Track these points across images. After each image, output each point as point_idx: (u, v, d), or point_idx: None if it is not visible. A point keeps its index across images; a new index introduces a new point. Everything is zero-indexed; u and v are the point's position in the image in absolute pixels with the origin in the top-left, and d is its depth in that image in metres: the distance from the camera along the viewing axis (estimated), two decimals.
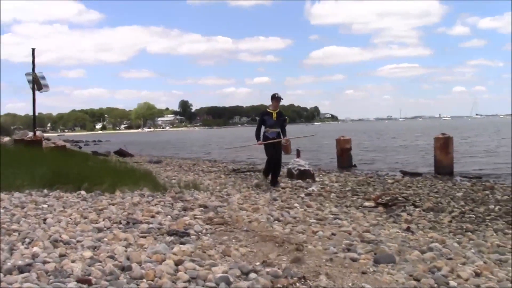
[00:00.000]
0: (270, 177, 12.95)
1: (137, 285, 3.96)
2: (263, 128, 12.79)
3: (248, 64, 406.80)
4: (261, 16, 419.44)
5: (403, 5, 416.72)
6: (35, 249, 4.61)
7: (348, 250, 5.67)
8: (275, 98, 12.67)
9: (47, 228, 5.68)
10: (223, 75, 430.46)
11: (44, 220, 6.15)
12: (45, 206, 7.15)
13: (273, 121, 12.59)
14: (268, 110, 12.78)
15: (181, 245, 5.27)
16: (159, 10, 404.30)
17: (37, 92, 20.57)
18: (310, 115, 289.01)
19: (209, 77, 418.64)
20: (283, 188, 12.55)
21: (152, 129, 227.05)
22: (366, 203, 10.08)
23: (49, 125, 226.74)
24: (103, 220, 6.35)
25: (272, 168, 12.86)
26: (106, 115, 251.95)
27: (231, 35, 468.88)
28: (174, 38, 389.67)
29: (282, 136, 12.65)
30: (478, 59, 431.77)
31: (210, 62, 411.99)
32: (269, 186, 12.60)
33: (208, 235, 6.08)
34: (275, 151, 12.59)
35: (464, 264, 5.30)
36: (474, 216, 9.09)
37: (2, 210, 6.59)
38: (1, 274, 3.88)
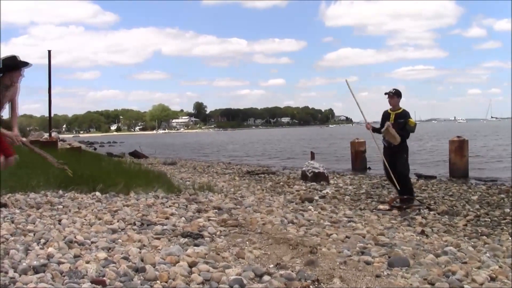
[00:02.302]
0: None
1: (151, 286, 3.97)
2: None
3: (262, 66, 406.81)
4: (275, 17, 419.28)
5: (418, 7, 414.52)
6: (50, 249, 4.64)
7: (362, 253, 5.65)
8: (388, 94, 10.29)
9: (62, 229, 5.71)
10: (237, 77, 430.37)
11: (59, 221, 6.19)
12: (60, 207, 7.19)
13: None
14: (388, 110, 10.40)
15: (195, 247, 5.27)
16: (175, 11, 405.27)
17: (52, 93, 20.72)
18: (325, 118, 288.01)
19: (223, 78, 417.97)
20: (297, 190, 12.53)
21: (166, 130, 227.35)
22: (381, 206, 10.04)
23: (64, 126, 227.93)
24: (118, 221, 6.37)
25: (394, 183, 10.26)
26: (120, 117, 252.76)
27: (245, 36, 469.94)
28: (189, 39, 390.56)
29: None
30: (494, 61, 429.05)
31: (224, 63, 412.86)
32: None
33: (222, 237, 6.07)
34: (394, 160, 10.20)
35: (479, 268, 5.26)
36: (489, 219, 9.04)
37: (17, 211, 6.65)
38: (17, 274, 3.91)
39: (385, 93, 10.29)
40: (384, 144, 10.38)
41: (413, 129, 10.19)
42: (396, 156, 10.16)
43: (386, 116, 10.33)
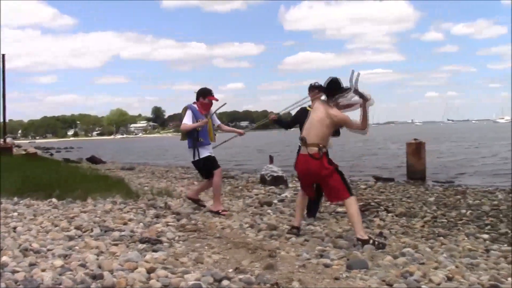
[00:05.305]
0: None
1: None
2: None
3: (222, 69, 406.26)
4: (235, 21, 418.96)
5: (378, 11, 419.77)
6: (4, 258, 4.55)
7: (321, 256, 5.67)
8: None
9: (17, 236, 5.62)
10: (198, 81, 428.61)
11: (14, 228, 6.08)
12: (15, 214, 7.06)
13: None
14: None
15: (153, 253, 5.24)
16: (134, 15, 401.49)
17: (7, 97, 20.37)
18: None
19: (183, 82, 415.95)
20: (256, 194, 12.54)
21: (124, 135, 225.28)
22: (339, 209, 10.08)
23: (20, 132, 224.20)
24: (75, 228, 6.29)
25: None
26: (78, 122, 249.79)
27: (205, 40, 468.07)
28: (149, 44, 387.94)
29: None
30: (451, 64, 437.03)
31: (185, 67, 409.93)
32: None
33: (181, 242, 6.05)
34: None
35: (436, 268, 5.33)
36: (446, 220, 9.17)
37: None
38: None
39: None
40: None
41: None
42: None
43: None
